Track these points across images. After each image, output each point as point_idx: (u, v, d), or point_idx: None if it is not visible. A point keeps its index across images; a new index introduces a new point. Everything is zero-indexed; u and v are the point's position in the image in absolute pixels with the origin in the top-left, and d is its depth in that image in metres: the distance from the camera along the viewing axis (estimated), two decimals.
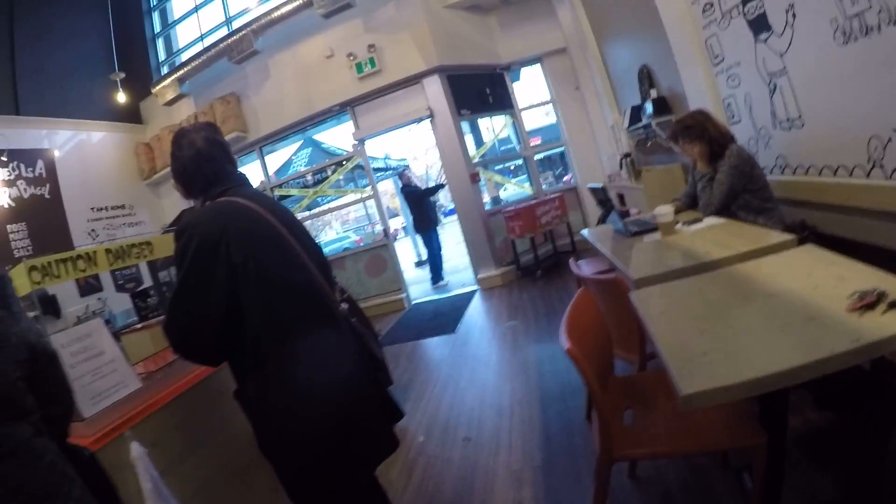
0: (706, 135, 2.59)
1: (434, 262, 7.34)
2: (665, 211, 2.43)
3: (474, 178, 6.22)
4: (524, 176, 7.28)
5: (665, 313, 1.50)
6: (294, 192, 6.77)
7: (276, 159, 7.46)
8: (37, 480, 0.76)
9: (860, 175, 2.26)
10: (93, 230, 5.95)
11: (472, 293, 6.16)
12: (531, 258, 6.16)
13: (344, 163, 6.48)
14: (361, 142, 6.37)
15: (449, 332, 4.80)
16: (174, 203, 6.35)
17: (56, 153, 5.75)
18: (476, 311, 5.40)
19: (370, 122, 6.33)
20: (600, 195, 2.83)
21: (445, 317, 5.39)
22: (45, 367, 0.86)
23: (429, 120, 6.17)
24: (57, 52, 6.02)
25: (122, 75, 6.51)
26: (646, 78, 4.29)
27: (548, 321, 4.29)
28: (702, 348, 1.20)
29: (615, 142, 5.56)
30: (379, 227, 6.83)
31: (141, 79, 6.98)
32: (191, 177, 1.40)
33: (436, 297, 6.62)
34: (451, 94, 6.07)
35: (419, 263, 10.41)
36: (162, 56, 7.52)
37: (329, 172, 6.54)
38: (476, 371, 3.65)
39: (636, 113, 4.56)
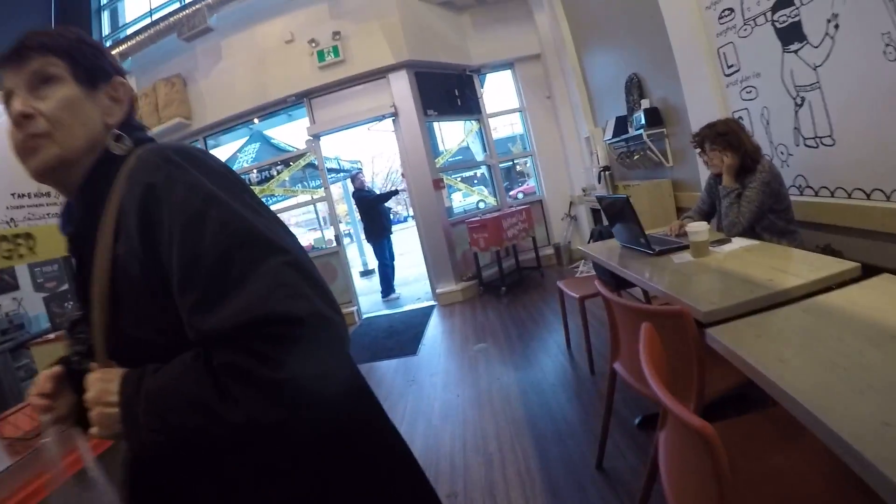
0: (741, 146, 2.31)
1: (385, 273, 6.81)
2: (700, 228, 2.11)
3: (437, 185, 5.79)
4: (483, 186, 6.93)
5: (782, 361, 1.13)
6: None
7: (220, 154, 6.70)
8: None
9: None
10: (11, 219, 5.03)
11: (429, 309, 5.68)
12: (493, 273, 5.81)
13: (292, 161, 5.88)
14: (317, 137, 5.78)
15: (410, 354, 4.30)
16: None
17: None
18: (437, 329, 4.93)
19: (328, 116, 5.75)
20: (616, 205, 2.47)
21: (403, 335, 4.89)
22: None
23: (392, 119, 5.69)
24: None
25: None
26: (635, 87, 4.05)
27: (522, 344, 3.90)
28: (871, 412, 0.87)
29: (590, 154, 5.32)
30: (329, 233, 6.24)
31: None
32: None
33: (388, 311, 6.10)
34: (418, 93, 5.62)
35: (365, 273, 9.84)
36: (106, 30, 6.62)
37: (278, 170, 5.92)
38: (449, 404, 3.17)
39: (621, 124, 4.31)
